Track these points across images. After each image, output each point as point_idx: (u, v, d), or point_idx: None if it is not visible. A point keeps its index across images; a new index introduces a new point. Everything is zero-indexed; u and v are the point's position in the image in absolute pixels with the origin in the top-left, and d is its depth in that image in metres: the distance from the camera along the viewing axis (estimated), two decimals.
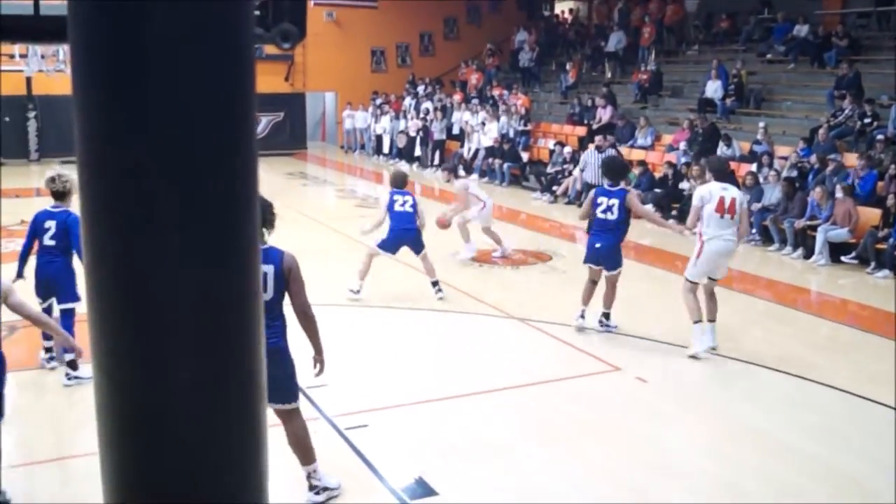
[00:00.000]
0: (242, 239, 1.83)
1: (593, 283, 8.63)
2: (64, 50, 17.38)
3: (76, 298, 7.18)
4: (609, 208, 8.38)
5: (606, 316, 8.73)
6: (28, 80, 23.78)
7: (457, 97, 24.79)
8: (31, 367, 7.55)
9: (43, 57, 18.03)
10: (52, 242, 7.09)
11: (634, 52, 22.87)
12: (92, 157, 1.77)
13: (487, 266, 12.00)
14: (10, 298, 4.72)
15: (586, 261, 8.65)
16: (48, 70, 18.55)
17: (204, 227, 1.74)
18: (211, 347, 1.77)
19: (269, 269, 4.73)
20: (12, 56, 21.72)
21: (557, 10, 30.68)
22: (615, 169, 8.93)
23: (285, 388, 4.92)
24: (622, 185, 8.78)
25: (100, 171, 1.76)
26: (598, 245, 8.50)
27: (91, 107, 1.74)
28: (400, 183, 10.09)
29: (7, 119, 24.71)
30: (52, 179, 7.12)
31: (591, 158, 15.47)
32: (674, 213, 15.03)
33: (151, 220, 1.71)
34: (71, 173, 7.18)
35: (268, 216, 4.96)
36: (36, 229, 7.15)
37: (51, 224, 7.08)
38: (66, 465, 5.83)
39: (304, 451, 5.14)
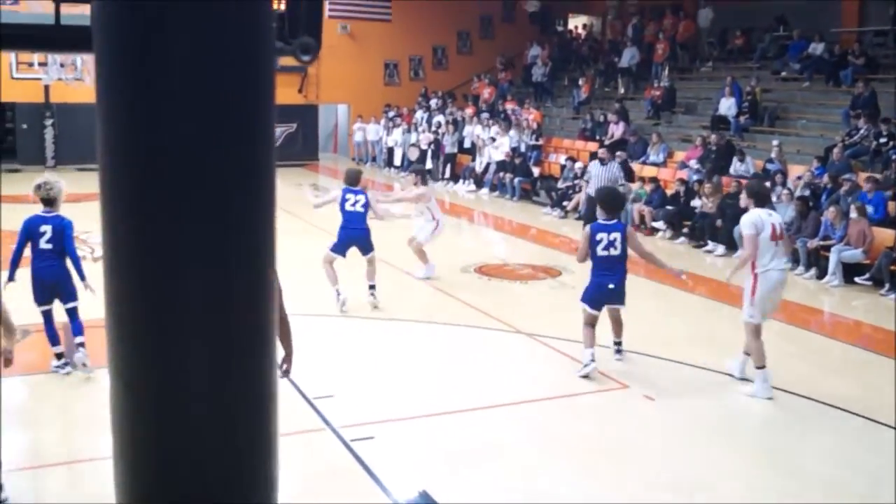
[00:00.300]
0: (259, 247, 1.85)
1: (593, 326, 7.89)
2: (82, 59, 17.49)
3: (77, 297, 7.45)
4: (611, 243, 7.74)
5: (619, 344, 8.31)
6: (46, 87, 23.98)
7: (469, 111, 24.80)
8: (44, 370, 7.62)
9: (62, 65, 18.14)
10: (49, 246, 7.29)
11: (648, 68, 22.84)
12: (113, 165, 1.78)
13: (496, 280, 11.96)
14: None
15: (592, 305, 7.85)
16: (67, 78, 18.67)
17: (222, 234, 1.75)
18: (226, 353, 1.78)
19: None
20: (31, 64, 21.95)
21: (571, 26, 30.74)
22: (610, 202, 8.14)
23: None
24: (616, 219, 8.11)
25: (120, 178, 1.77)
26: (611, 286, 7.77)
27: (113, 116, 1.75)
28: (353, 181, 10.02)
29: (25, 126, 24.94)
30: (39, 187, 7.36)
31: (595, 170, 15.44)
32: (685, 230, 14.96)
33: (170, 227, 1.72)
34: (58, 181, 7.52)
35: None
36: (30, 234, 7.31)
37: (46, 228, 7.29)
38: (73, 469, 5.86)
39: None
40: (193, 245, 1.73)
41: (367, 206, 9.82)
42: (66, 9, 3.07)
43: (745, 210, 7.69)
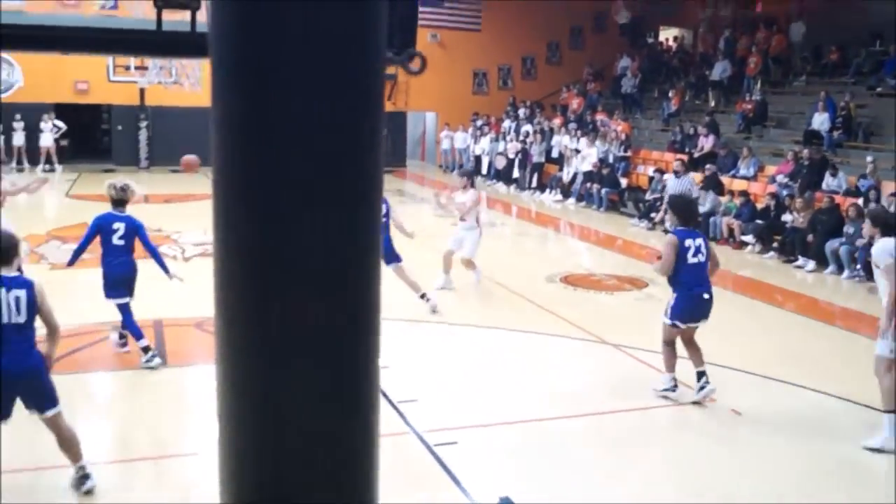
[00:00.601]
0: (366, 252, 1.87)
1: (674, 345, 7.36)
2: (180, 64, 18.05)
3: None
4: (698, 250, 7.19)
5: (704, 374, 7.41)
6: (141, 90, 24.79)
7: (557, 121, 24.79)
8: (132, 367, 7.84)
9: (161, 68, 18.81)
10: (122, 242, 7.64)
11: (739, 81, 22.48)
12: (227, 169, 1.81)
13: (582, 290, 11.95)
14: (45, 304, 5.00)
15: (684, 319, 7.23)
16: (166, 82, 19.31)
17: (331, 239, 1.77)
18: (332, 357, 1.81)
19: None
20: (127, 67, 22.72)
21: (661, 38, 30.43)
22: (686, 211, 7.53)
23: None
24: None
25: (234, 183, 1.81)
26: (706, 296, 7.22)
27: (229, 121, 1.77)
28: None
29: (120, 128, 25.85)
30: (117, 187, 7.71)
31: (671, 183, 15.33)
32: (775, 244, 14.70)
33: (282, 231, 1.74)
34: (131, 183, 7.91)
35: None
36: (101, 230, 7.65)
37: (119, 226, 7.64)
38: (161, 464, 6.03)
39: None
40: (303, 249, 1.75)
41: (387, 214, 9.48)
42: (166, 15, 3.19)
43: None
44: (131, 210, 8.03)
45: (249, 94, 1.74)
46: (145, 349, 7.78)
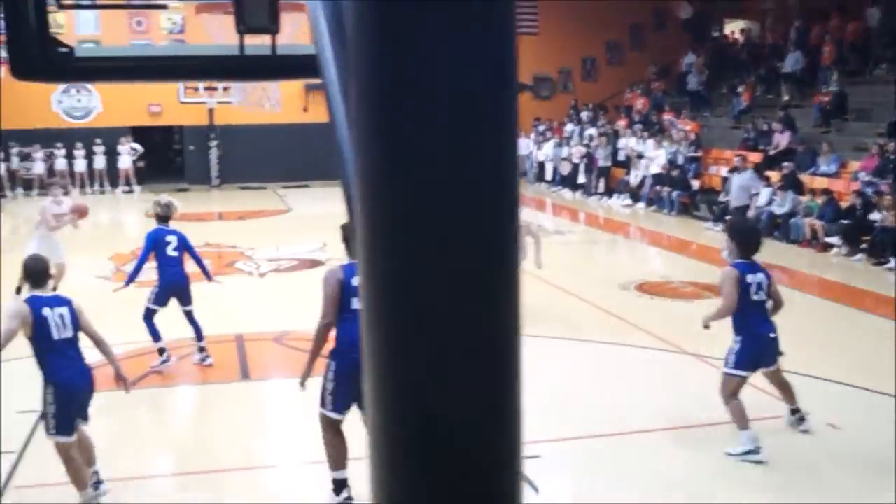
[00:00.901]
0: (508, 264, 1.75)
1: (737, 395, 6.44)
2: (261, 86, 18.18)
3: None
4: (760, 286, 6.40)
5: (799, 411, 6.84)
6: (210, 111, 25.24)
7: (622, 123, 24.28)
8: (232, 379, 8.16)
9: (243, 90, 19.00)
10: (176, 254, 8.26)
11: (814, 72, 21.67)
12: (367, 188, 1.72)
13: (659, 298, 11.54)
14: (83, 318, 5.36)
15: (749, 366, 6.43)
16: (249, 103, 19.43)
17: (473, 252, 1.67)
18: (480, 361, 1.72)
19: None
20: (196, 89, 23.21)
21: (727, 31, 29.64)
22: (749, 242, 6.66)
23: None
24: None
25: (373, 200, 1.71)
26: (772, 335, 6.46)
27: (367, 144, 1.69)
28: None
29: (191, 147, 26.33)
30: (162, 204, 8.38)
31: (734, 181, 14.81)
32: (863, 246, 14.00)
33: (423, 246, 1.65)
34: (174, 200, 8.63)
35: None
36: (157, 244, 8.24)
37: (172, 239, 8.30)
38: (248, 475, 6.16)
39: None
40: (446, 261, 1.69)
41: None
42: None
43: None
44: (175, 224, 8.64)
45: (383, 115, 1.67)
46: (160, 350, 8.33)
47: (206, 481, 6.03)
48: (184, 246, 8.39)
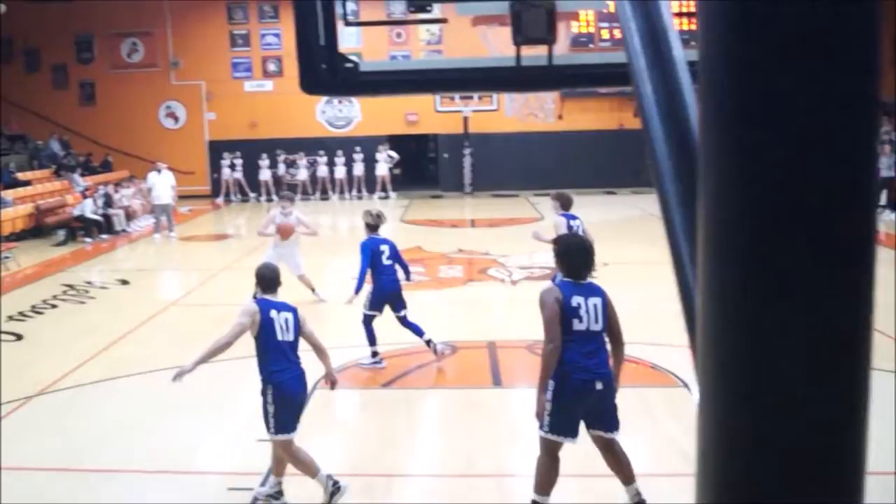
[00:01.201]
0: (862, 277, 1.64)
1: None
2: (534, 97, 18.11)
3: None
4: None
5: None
6: (465, 119, 25.67)
7: None
8: (484, 385, 8.10)
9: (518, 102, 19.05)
10: (389, 262, 8.48)
11: None
12: (714, 199, 1.64)
13: None
14: (306, 326, 5.60)
15: None
16: (526, 114, 19.42)
17: (829, 264, 1.58)
18: (829, 359, 1.63)
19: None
20: (452, 98, 23.63)
21: None
22: None
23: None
24: None
25: (719, 216, 1.65)
26: None
27: (717, 160, 1.61)
28: (568, 205, 9.37)
29: (446, 155, 26.95)
30: (373, 214, 8.59)
31: None
32: None
33: (772, 251, 1.57)
34: (384, 211, 8.95)
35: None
36: (373, 254, 8.40)
37: (385, 248, 8.49)
38: (501, 482, 5.97)
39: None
40: (795, 267, 1.59)
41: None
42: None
43: None
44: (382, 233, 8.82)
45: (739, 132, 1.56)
46: (374, 353, 8.47)
47: (460, 484, 6.01)
48: (394, 254, 8.58)
